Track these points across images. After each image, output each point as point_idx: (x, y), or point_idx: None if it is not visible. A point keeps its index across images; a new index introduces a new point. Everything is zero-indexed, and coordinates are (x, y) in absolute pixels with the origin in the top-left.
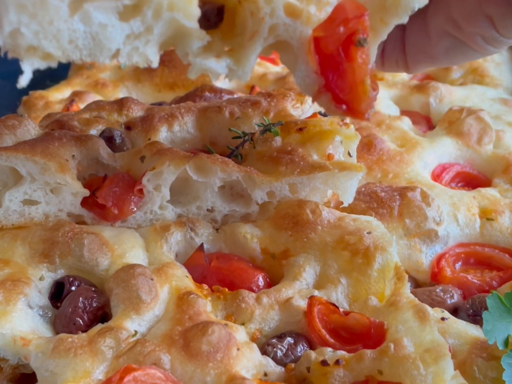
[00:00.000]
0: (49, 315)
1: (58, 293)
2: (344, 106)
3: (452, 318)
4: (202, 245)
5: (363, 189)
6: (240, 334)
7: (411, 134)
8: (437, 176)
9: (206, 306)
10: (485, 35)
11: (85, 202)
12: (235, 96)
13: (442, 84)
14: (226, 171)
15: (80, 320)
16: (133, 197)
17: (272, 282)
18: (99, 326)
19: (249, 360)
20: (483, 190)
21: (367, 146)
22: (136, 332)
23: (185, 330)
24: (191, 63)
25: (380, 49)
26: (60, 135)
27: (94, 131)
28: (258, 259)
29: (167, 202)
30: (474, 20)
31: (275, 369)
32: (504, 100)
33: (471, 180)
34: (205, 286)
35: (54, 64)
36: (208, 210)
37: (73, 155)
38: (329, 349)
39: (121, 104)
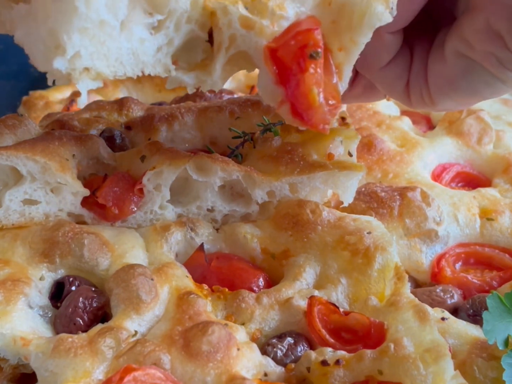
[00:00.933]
0: (49, 315)
1: (58, 293)
2: (299, 118)
3: (452, 318)
4: (202, 245)
5: (363, 189)
6: (240, 334)
7: (411, 134)
8: (437, 176)
9: (206, 306)
10: (499, 55)
11: (85, 202)
12: (235, 96)
13: None
14: (226, 171)
15: (80, 320)
16: (133, 197)
17: (272, 282)
18: (99, 326)
19: (249, 360)
20: (483, 190)
21: (367, 146)
22: (136, 332)
23: (185, 330)
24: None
25: (403, 81)
26: (60, 135)
27: (94, 131)
28: (258, 259)
29: (167, 202)
30: (485, 37)
31: (275, 369)
32: (504, 100)
33: (471, 180)
34: (205, 286)
35: (101, 84)
36: (208, 210)
37: (73, 155)
38: (329, 349)
39: (121, 104)
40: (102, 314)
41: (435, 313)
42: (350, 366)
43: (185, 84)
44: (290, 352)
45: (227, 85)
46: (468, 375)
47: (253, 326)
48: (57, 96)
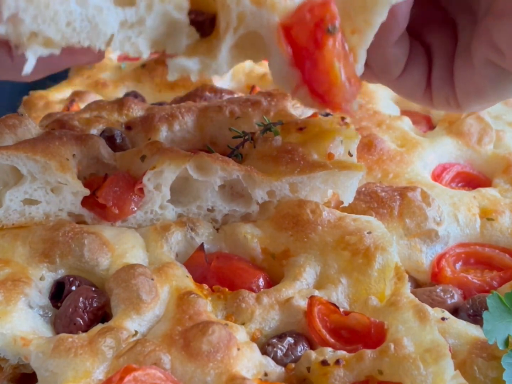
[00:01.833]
0: (50, 315)
1: (58, 293)
2: (320, 99)
3: (452, 318)
4: (202, 245)
5: (363, 189)
6: (240, 334)
7: (411, 134)
8: (437, 176)
9: (206, 306)
10: None
11: (85, 202)
12: (235, 96)
13: None
14: (227, 170)
15: (81, 320)
16: (133, 196)
17: (273, 282)
18: (99, 326)
19: (249, 360)
20: (483, 190)
21: (367, 146)
22: (136, 332)
23: (185, 330)
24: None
25: (422, 87)
26: (61, 134)
27: (94, 131)
28: (258, 259)
29: (168, 201)
30: None
31: (275, 369)
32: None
33: (471, 180)
34: (206, 286)
35: (57, 51)
36: (208, 210)
37: (74, 154)
38: (329, 349)
39: (121, 104)
40: (102, 314)
41: (435, 313)
42: (350, 366)
43: (188, 70)
44: (290, 352)
45: (227, 85)
46: (468, 375)
47: (253, 326)
48: (57, 96)
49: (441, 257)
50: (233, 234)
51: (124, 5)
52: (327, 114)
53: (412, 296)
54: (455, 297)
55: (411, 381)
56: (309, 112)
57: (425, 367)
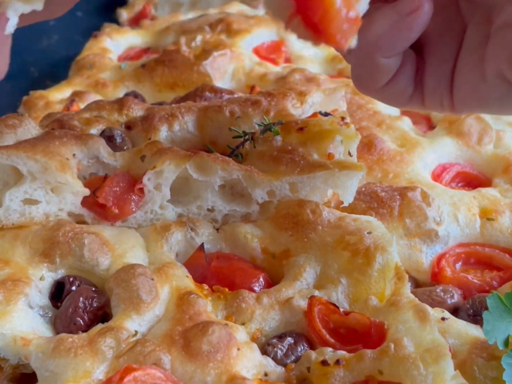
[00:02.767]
0: (50, 315)
1: (58, 293)
2: (314, 29)
3: (452, 318)
4: (202, 245)
5: (363, 189)
6: (241, 334)
7: (411, 134)
8: (437, 176)
9: (206, 306)
10: None
11: (85, 202)
12: (235, 95)
13: None
14: (227, 170)
15: (81, 320)
16: (133, 196)
17: (273, 282)
18: (99, 326)
19: (249, 360)
20: (483, 190)
21: (367, 146)
22: (136, 332)
23: (185, 330)
24: None
25: (407, 94)
26: (61, 134)
27: (94, 131)
28: (258, 259)
29: (168, 201)
30: None
31: (275, 369)
32: None
33: (471, 180)
34: (206, 286)
35: (39, 7)
36: (208, 209)
37: (74, 154)
38: (330, 349)
39: (121, 103)
40: (102, 314)
41: (435, 313)
42: (350, 366)
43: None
44: (290, 352)
45: (227, 85)
46: (468, 375)
47: (253, 326)
48: (57, 96)
49: (441, 257)
50: (233, 234)
51: None
52: (327, 114)
53: (412, 296)
54: (455, 297)
55: (411, 381)
56: (309, 112)
57: (425, 367)
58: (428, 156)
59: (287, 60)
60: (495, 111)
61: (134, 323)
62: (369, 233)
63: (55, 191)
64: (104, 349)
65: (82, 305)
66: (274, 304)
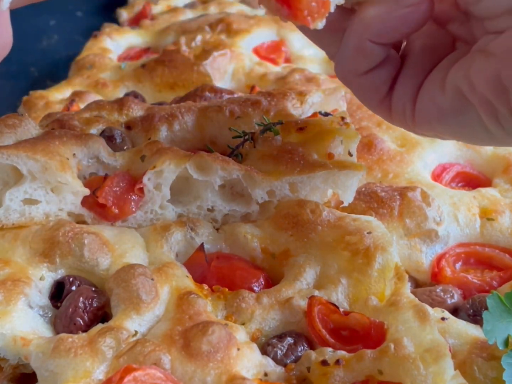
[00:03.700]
0: (49, 315)
1: (58, 293)
2: (283, 2)
3: (452, 318)
4: (202, 245)
5: (363, 189)
6: (240, 334)
7: (411, 134)
8: (437, 176)
9: (206, 306)
10: (498, 108)
11: (85, 202)
12: (235, 95)
13: None
14: (227, 170)
15: (81, 320)
16: (133, 196)
17: (273, 282)
18: (99, 326)
19: (249, 360)
20: (483, 190)
21: (367, 146)
22: (136, 332)
23: (185, 330)
24: None
25: (379, 95)
26: (61, 134)
27: (94, 131)
28: (258, 259)
29: (168, 201)
30: (490, 87)
31: (275, 369)
32: None
33: (471, 180)
34: (206, 286)
35: None
36: (208, 209)
37: (74, 154)
38: (329, 349)
39: (121, 103)
40: (102, 314)
41: (435, 313)
42: (350, 366)
43: None
44: (290, 352)
45: (227, 85)
46: (468, 375)
47: (253, 326)
48: (57, 96)
49: (441, 257)
50: (233, 234)
51: None
52: (327, 114)
53: (412, 296)
54: (455, 297)
55: (411, 381)
56: (309, 112)
57: (425, 367)
58: (428, 156)
59: (287, 60)
60: (450, 133)
61: (134, 323)
62: (369, 233)
63: (55, 191)
64: (104, 349)
65: (82, 305)
66: (274, 304)
